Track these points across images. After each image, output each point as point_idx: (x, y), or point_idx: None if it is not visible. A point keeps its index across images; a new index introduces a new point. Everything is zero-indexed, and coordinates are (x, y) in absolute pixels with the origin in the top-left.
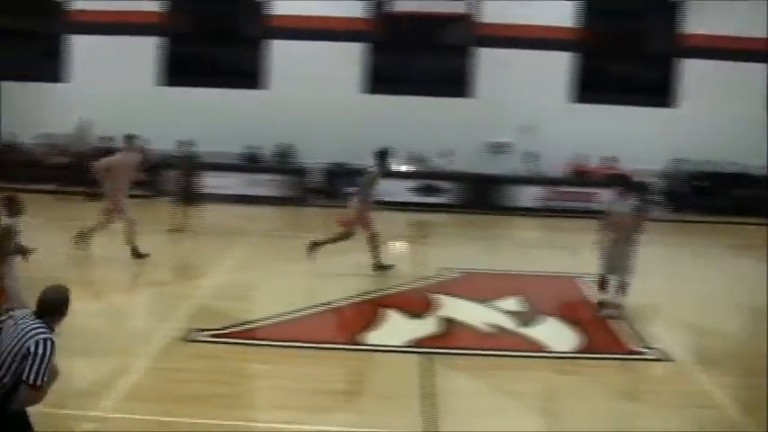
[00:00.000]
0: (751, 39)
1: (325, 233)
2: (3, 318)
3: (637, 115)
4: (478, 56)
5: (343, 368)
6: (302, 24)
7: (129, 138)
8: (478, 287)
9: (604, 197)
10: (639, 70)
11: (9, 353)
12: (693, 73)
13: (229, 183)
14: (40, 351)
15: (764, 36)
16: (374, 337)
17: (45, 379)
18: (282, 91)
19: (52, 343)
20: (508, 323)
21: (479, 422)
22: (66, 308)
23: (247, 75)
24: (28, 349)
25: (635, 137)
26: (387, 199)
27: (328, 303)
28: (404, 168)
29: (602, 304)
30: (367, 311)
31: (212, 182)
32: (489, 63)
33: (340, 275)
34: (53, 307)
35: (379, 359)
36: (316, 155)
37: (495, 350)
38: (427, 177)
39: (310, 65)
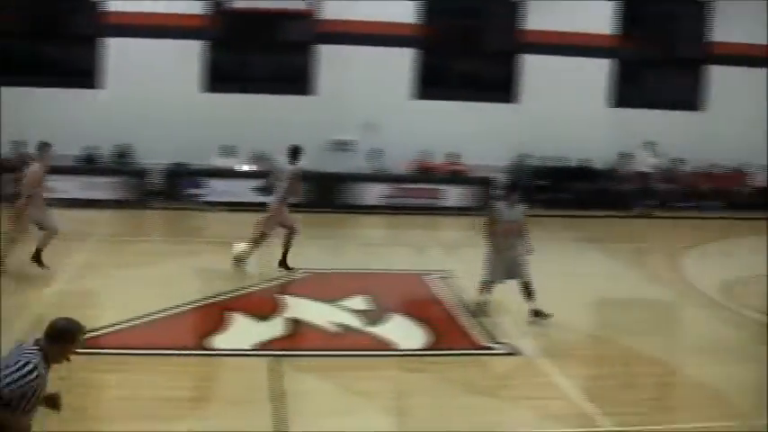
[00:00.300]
0: (593, 35)
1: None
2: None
3: (480, 111)
4: (320, 53)
5: (191, 374)
6: (139, 21)
7: (42, 146)
8: (325, 287)
9: (449, 194)
10: (481, 67)
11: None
12: (535, 69)
13: (66, 186)
14: (14, 367)
15: (606, 32)
16: (221, 341)
17: (10, 394)
18: (120, 90)
19: (33, 367)
20: (355, 322)
21: (329, 423)
22: (71, 340)
23: (82, 73)
24: (7, 366)
25: (479, 133)
26: (230, 200)
27: (173, 308)
28: (246, 168)
29: (480, 305)
30: (213, 316)
31: (48, 185)
32: (331, 60)
33: (184, 280)
34: (55, 334)
35: (227, 363)
36: (155, 155)
37: (343, 350)
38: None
39: (148, 63)
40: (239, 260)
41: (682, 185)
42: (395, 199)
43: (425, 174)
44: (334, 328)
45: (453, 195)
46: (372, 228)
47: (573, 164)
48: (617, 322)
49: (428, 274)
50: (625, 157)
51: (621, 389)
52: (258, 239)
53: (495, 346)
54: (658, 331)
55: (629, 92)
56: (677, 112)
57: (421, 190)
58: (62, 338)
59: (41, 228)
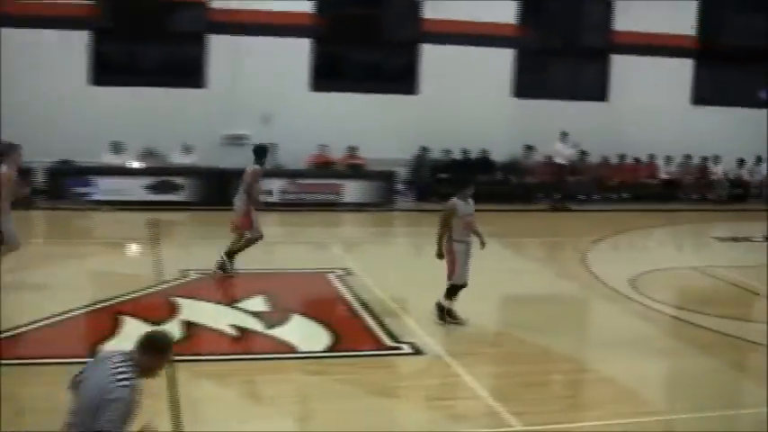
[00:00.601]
0: (495, 24)
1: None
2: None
3: (380, 103)
4: (212, 43)
5: None
6: (22, 11)
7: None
8: (221, 288)
9: (348, 189)
10: (381, 57)
11: (87, 401)
12: (436, 59)
13: None
14: (113, 396)
15: (509, 21)
16: (113, 347)
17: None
18: (3, 85)
19: (132, 385)
20: (254, 324)
21: (229, 430)
22: (167, 351)
23: None
24: (103, 399)
25: (379, 125)
26: (120, 198)
27: (61, 314)
28: (137, 165)
29: (452, 314)
30: (104, 320)
31: None
32: (224, 51)
33: (73, 283)
34: (153, 347)
35: None
36: (39, 153)
37: (241, 354)
38: (163, 174)
39: (33, 55)
40: (224, 263)
41: (590, 177)
42: (292, 195)
43: (324, 168)
44: (232, 332)
45: (353, 190)
46: (270, 225)
47: (474, 156)
48: (526, 319)
49: (329, 272)
50: (530, 149)
51: (531, 387)
52: (247, 244)
53: (401, 345)
54: (568, 327)
55: (532, 82)
56: (582, 103)
57: (319, 185)
58: (160, 350)
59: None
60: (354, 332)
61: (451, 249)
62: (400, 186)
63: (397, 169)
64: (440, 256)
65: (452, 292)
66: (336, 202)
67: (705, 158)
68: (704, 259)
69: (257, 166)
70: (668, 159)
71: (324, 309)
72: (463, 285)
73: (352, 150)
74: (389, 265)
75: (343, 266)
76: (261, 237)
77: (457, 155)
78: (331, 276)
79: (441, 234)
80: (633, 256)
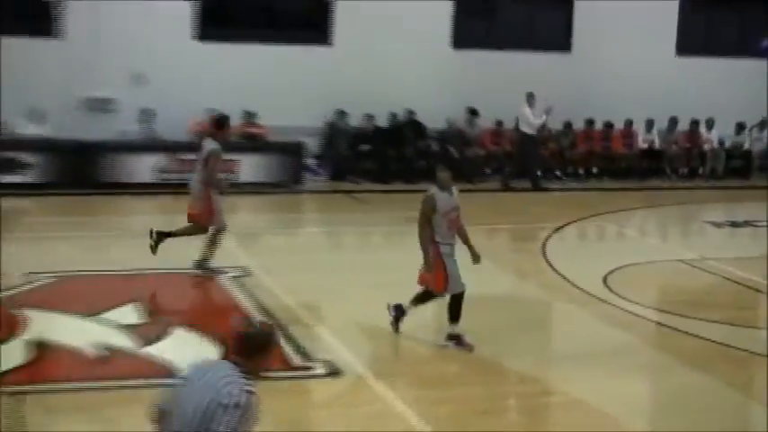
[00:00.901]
0: None
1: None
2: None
3: (284, 56)
4: None
5: None
6: None
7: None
8: (81, 295)
9: (244, 166)
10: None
11: (194, 415)
12: (354, 2)
13: None
14: (234, 402)
15: None
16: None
17: None
18: None
19: (250, 395)
20: (124, 341)
21: None
22: (270, 346)
23: None
24: (219, 404)
25: (283, 85)
26: None
27: None
28: None
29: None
30: None
31: None
32: None
33: None
34: (255, 347)
35: None
36: None
37: (109, 379)
38: (5, 149)
39: None
40: (203, 266)
41: (551, 151)
42: (172, 174)
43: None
44: (95, 351)
45: (250, 168)
46: (144, 213)
47: (405, 123)
48: (472, 329)
49: (220, 272)
50: (475, 114)
51: (481, 416)
52: (215, 239)
53: (313, 365)
54: (525, 339)
55: (477, 30)
56: (540, 55)
57: None
58: (263, 349)
59: None
60: None
61: (438, 253)
62: (310, 162)
63: (305, 140)
64: (429, 268)
65: (424, 299)
66: (229, 182)
67: (695, 122)
68: (696, 250)
69: (216, 145)
70: (649, 124)
71: (214, 320)
72: (460, 294)
73: (250, 117)
74: (297, 262)
75: (238, 265)
76: (224, 228)
77: (382, 122)
78: (222, 278)
79: (424, 237)
80: (606, 247)
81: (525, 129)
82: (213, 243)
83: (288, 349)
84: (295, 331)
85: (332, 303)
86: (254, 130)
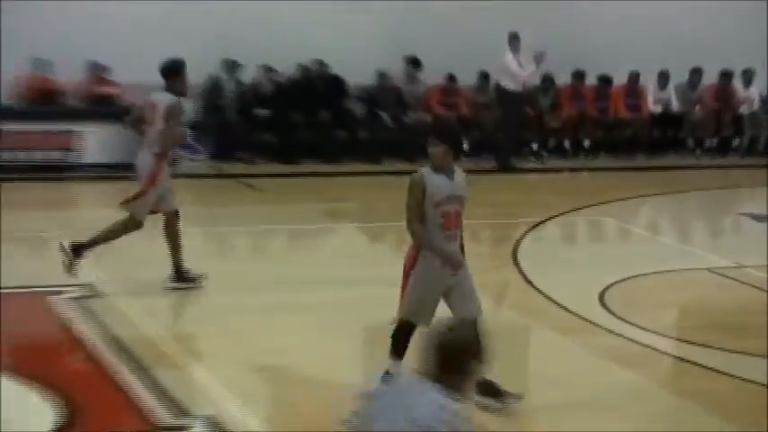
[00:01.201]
0: None
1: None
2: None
3: None
4: None
5: None
6: None
7: None
8: None
9: (90, 140)
10: None
11: None
12: None
13: None
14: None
15: None
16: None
17: None
18: None
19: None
20: None
21: None
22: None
23: None
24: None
25: (146, 26)
26: None
27: None
28: None
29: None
30: None
31: None
32: None
33: None
34: (458, 362)
35: None
36: None
37: None
38: None
39: None
40: (77, 255)
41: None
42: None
43: (45, 103)
44: None
45: (96, 143)
46: None
47: (317, 78)
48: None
49: (54, 291)
50: (417, 65)
51: None
52: (117, 231)
53: (190, 424)
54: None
55: None
56: None
57: (37, 135)
58: (467, 367)
59: None
60: (104, 401)
61: (411, 256)
62: (191, 136)
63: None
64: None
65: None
66: (67, 164)
67: (728, 75)
68: (729, 254)
69: (174, 97)
70: (663, 79)
71: (46, 360)
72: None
73: (99, 71)
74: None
75: (81, 282)
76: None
77: (286, 76)
78: (57, 300)
79: (424, 237)
80: (603, 251)
81: (507, 82)
82: (115, 232)
83: (152, 401)
84: (161, 375)
85: (214, 334)
86: (104, 89)
